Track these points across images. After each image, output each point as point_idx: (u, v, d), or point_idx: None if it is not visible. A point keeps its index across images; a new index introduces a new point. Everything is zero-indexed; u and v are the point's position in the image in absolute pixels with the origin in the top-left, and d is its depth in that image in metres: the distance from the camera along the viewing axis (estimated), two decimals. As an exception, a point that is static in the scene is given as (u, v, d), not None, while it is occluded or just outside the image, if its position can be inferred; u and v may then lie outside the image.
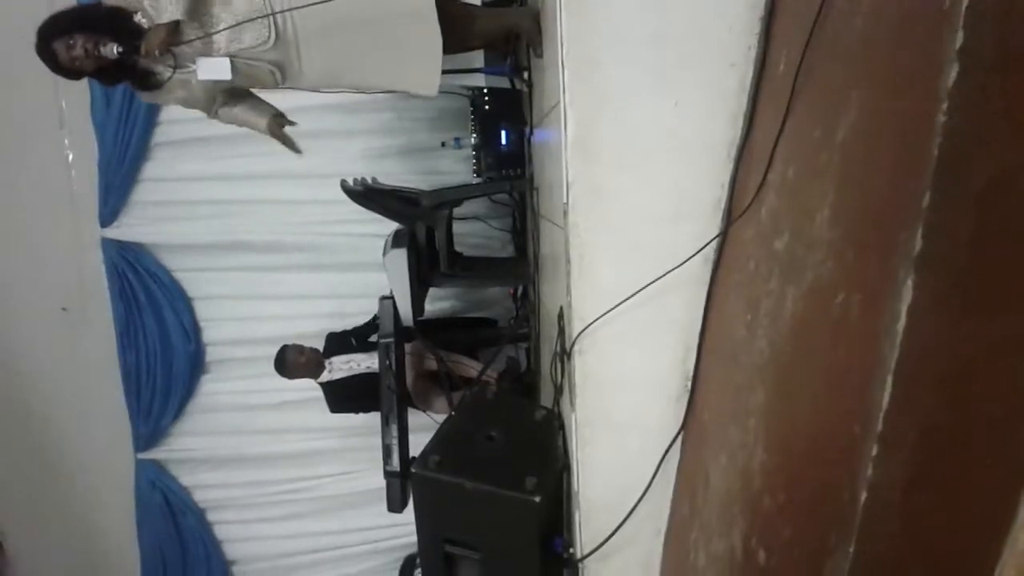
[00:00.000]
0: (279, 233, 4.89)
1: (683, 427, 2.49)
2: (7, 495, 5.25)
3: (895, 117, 1.46)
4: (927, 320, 1.32)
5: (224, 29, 2.82)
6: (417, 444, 3.36)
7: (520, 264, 4.21)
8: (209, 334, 5.11)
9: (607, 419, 2.51)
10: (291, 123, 3.30)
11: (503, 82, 4.15)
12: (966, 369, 1.35)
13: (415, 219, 4.05)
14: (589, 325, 2.45)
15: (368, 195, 4.05)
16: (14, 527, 5.39)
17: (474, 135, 4.47)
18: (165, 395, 5.08)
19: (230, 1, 2.81)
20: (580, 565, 2.61)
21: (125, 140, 4.66)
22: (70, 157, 4.80)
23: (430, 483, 2.71)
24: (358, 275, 4.85)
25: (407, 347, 4.35)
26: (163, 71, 2.90)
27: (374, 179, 4.15)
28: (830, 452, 1.56)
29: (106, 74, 2.94)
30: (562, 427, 2.81)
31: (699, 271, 2.39)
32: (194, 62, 2.87)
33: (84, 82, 4.43)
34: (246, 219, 4.88)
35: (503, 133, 4.30)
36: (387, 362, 4.13)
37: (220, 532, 5.46)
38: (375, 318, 4.29)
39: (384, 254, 4.08)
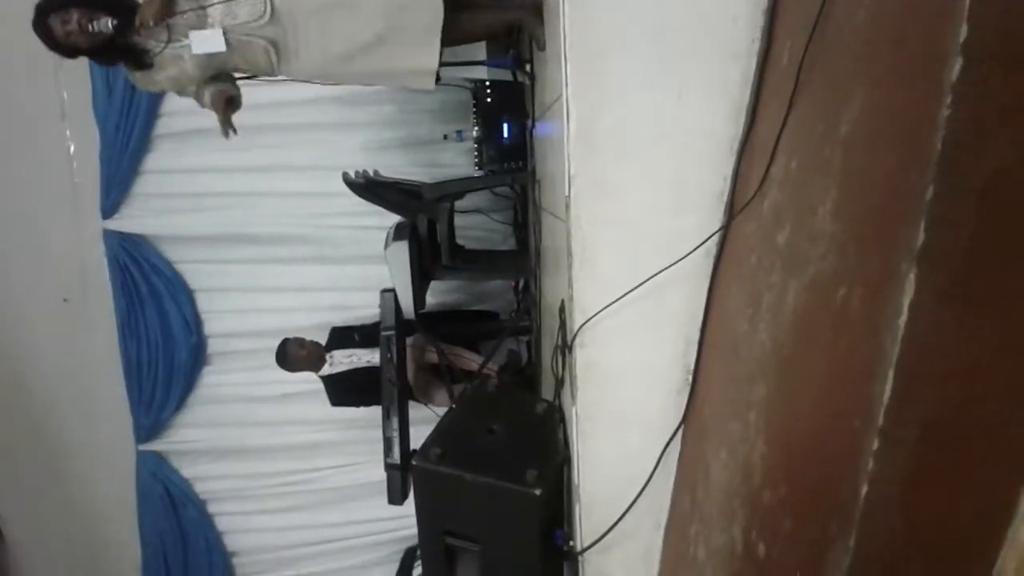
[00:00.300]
0: (281, 225, 4.88)
1: (684, 420, 2.49)
2: (8, 485, 5.26)
3: (898, 110, 1.45)
4: (929, 314, 1.32)
5: (219, 2, 2.82)
6: (418, 437, 3.37)
7: (522, 257, 4.21)
8: (210, 326, 5.10)
9: (608, 412, 2.51)
10: (238, 105, 3.14)
11: (505, 74, 4.14)
12: (967, 363, 1.35)
13: (417, 212, 4.04)
14: (590, 318, 2.45)
15: (370, 188, 4.05)
16: (15, 517, 5.39)
17: (476, 128, 4.45)
18: (166, 387, 5.08)
19: None
20: (580, 558, 2.62)
21: (127, 132, 4.64)
22: (72, 149, 4.79)
23: (431, 475, 2.71)
24: (359, 268, 4.84)
25: (408, 340, 4.35)
26: (156, 45, 2.87)
27: (376, 172, 4.15)
28: (831, 446, 1.56)
29: (101, 52, 2.92)
30: (563, 420, 2.81)
31: (701, 264, 2.39)
32: (188, 36, 2.86)
33: (86, 73, 4.50)
34: (248, 211, 4.87)
35: (505, 126, 4.28)
36: (388, 355, 4.13)
37: (221, 524, 5.46)
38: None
39: (386, 247, 4.07)
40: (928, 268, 1.30)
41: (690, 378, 2.48)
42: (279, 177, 4.83)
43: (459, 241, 4.41)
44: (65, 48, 2.86)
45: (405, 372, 4.27)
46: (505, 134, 4.30)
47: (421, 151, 4.78)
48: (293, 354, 4.35)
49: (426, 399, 4.46)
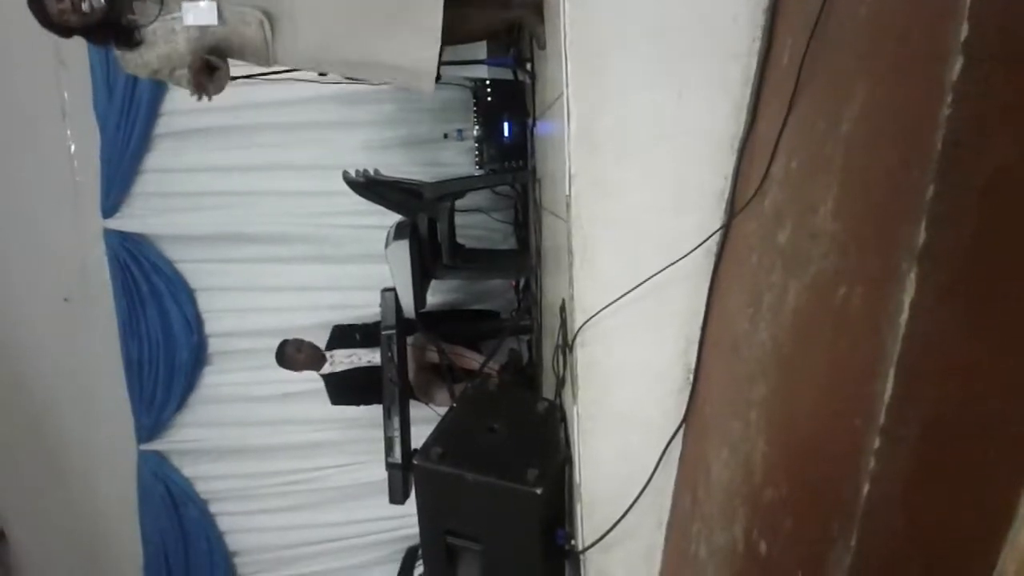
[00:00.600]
0: (282, 224, 4.88)
1: (685, 419, 2.49)
2: (10, 485, 5.26)
3: (899, 109, 1.45)
4: (930, 313, 1.31)
5: None
6: (419, 436, 3.37)
7: (522, 256, 4.21)
8: (211, 325, 5.10)
9: (609, 411, 2.51)
10: (219, 65, 2.98)
11: (506, 73, 4.14)
12: (969, 362, 1.35)
13: (417, 211, 4.04)
14: (591, 317, 2.45)
15: (370, 187, 4.05)
16: (17, 516, 5.40)
17: (476, 127, 4.45)
18: (167, 386, 5.08)
19: None
20: (581, 557, 2.62)
21: (127, 131, 4.64)
22: (72, 148, 4.79)
23: (432, 475, 2.71)
24: (360, 267, 4.84)
25: (409, 339, 4.35)
26: (147, 19, 2.84)
27: (376, 171, 4.15)
28: (832, 445, 1.56)
29: (94, 31, 2.88)
30: (564, 419, 2.81)
31: (701, 263, 2.39)
32: (180, 8, 2.82)
33: (86, 73, 4.50)
34: (248, 210, 4.87)
35: (506, 125, 4.28)
36: (389, 354, 4.13)
37: (222, 523, 5.46)
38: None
39: (386, 246, 4.07)
40: (929, 267, 1.30)
41: (691, 377, 2.48)
42: (280, 176, 4.83)
43: (460, 240, 4.41)
44: (58, 27, 2.82)
45: (406, 371, 4.27)
46: (506, 133, 4.30)
47: (422, 150, 4.78)
48: (291, 356, 4.36)
49: (427, 398, 4.46)
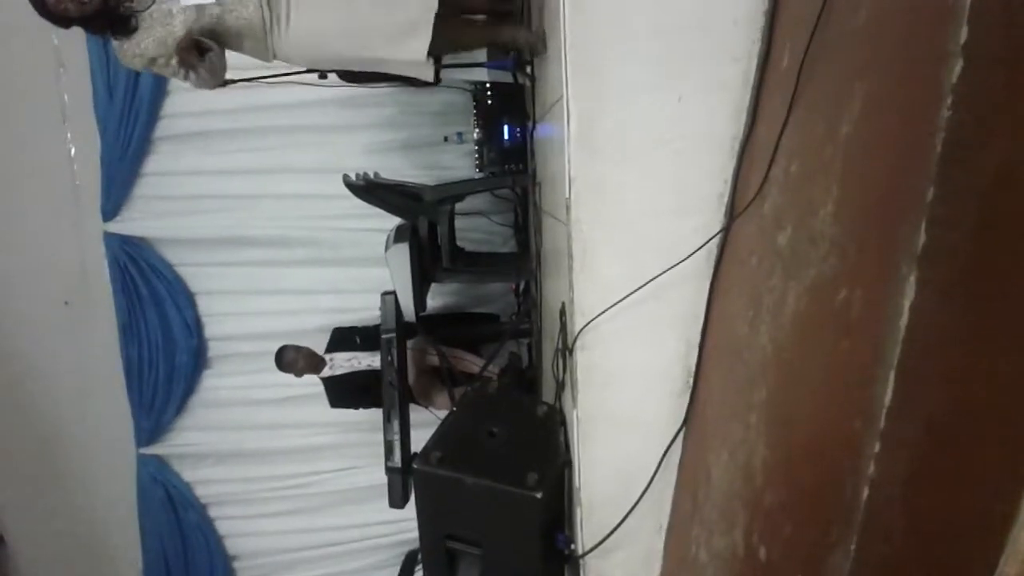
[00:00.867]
0: (281, 228, 4.88)
1: (685, 423, 2.49)
2: (9, 488, 5.26)
3: (899, 112, 1.45)
4: (930, 316, 1.31)
5: None
6: (419, 440, 3.36)
7: (522, 259, 4.21)
8: (211, 329, 5.10)
9: (609, 415, 2.51)
10: (210, 47, 2.89)
11: (506, 76, 4.14)
12: (969, 365, 1.34)
13: (417, 214, 4.04)
14: (591, 321, 2.44)
15: (370, 190, 4.04)
16: (16, 520, 5.39)
17: (476, 130, 4.45)
18: (167, 390, 5.08)
19: None
20: (581, 561, 2.61)
21: (128, 134, 4.65)
22: (72, 151, 4.80)
23: (432, 479, 2.71)
24: (360, 270, 4.84)
25: (409, 343, 4.35)
26: (144, 3, 2.80)
27: (376, 174, 4.15)
28: (832, 449, 1.55)
29: (92, 20, 2.83)
30: (564, 423, 2.81)
31: (702, 266, 2.39)
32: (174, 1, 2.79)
33: (87, 76, 4.50)
34: (249, 214, 4.87)
35: (506, 128, 4.28)
36: (389, 357, 4.13)
37: (222, 527, 5.46)
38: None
39: (386, 249, 4.07)
40: (929, 269, 1.30)
41: (691, 380, 2.48)
42: (280, 179, 4.83)
43: (460, 243, 4.41)
44: (56, 16, 2.79)
45: (406, 375, 4.27)
46: (506, 136, 4.30)
47: (422, 153, 4.78)
48: (290, 361, 4.35)
49: (427, 402, 4.46)
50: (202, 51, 2.85)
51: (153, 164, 4.80)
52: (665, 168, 2.36)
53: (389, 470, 4.10)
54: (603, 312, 2.42)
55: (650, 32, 2.29)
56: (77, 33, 2.91)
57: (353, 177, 4.01)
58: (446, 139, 4.72)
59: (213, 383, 5.19)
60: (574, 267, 2.44)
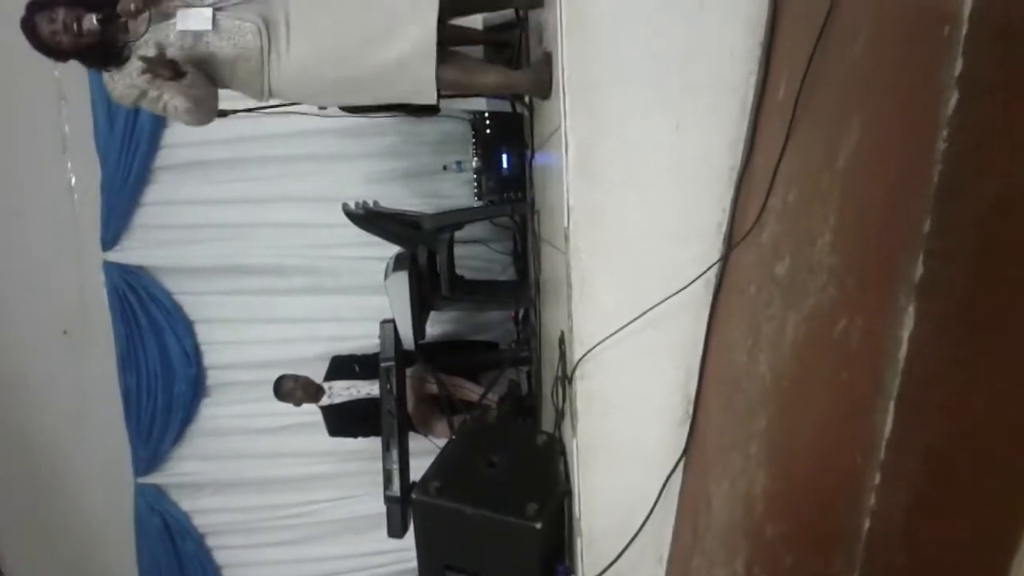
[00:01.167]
0: (281, 256, 4.88)
1: (685, 452, 2.48)
2: (6, 516, 5.22)
3: (895, 143, 1.46)
4: (929, 347, 1.31)
5: None
6: (418, 468, 3.35)
7: (521, 287, 4.21)
8: (210, 357, 5.09)
9: (609, 444, 2.50)
10: (183, 72, 2.82)
11: (504, 105, 4.16)
12: (968, 395, 1.34)
13: (416, 242, 4.05)
14: (590, 350, 2.44)
15: (370, 218, 4.05)
16: (13, 548, 5.34)
17: (475, 158, 4.46)
18: (165, 419, 5.05)
19: None
20: (582, 592, 2.59)
21: (127, 164, 4.66)
22: (73, 180, 4.81)
23: (431, 509, 2.70)
24: (359, 298, 4.83)
25: (408, 371, 4.34)
26: (138, 32, 2.78)
27: (375, 202, 4.16)
28: (832, 480, 1.55)
29: (87, 53, 2.82)
30: (563, 452, 2.80)
31: (700, 295, 2.39)
32: (173, 16, 2.78)
33: (87, 106, 4.53)
34: (248, 242, 4.88)
35: (504, 156, 4.29)
36: (388, 386, 4.12)
37: (220, 557, 5.41)
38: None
39: (385, 277, 4.07)
40: (927, 300, 1.30)
41: (691, 409, 2.47)
42: (279, 208, 4.84)
43: (459, 271, 4.41)
44: (51, 49, 2.79)
45: (405, 403, 4.25)
46: (504, 165, 4.31)
47: (421, 182, 4.80)
48: (289, 391, 4.34)
49: (426, 430, 4.44)
50: (177, 72, 2.77)
51: (153, 194, 4.81)
52: (663, 197, 2.37)
53: (388, 499, 4.08)
54: (602, 341, 2.42)
55: (647, 62, 2.31)
56: (78, 65, 2.91)
57: (352, 206, 4.02)
58: (445, 168, 4.74)
59: (212, 412, 5.16)
60: (573, 296, 2.44)
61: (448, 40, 2.96)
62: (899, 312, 1.32)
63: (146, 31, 2.78)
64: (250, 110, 3.33)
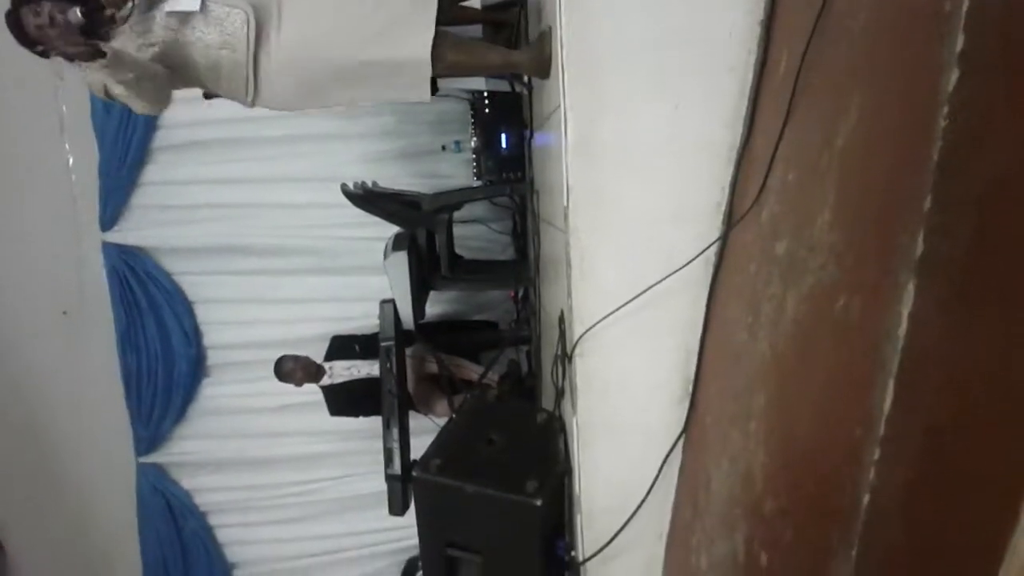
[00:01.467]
0: (280, 237, 4.89)
1: (684, 430, 2.49)
2: (8, 498, 5.25)
3: (895, 121, 1.46)
4: (929, 323, 1.32)
5: None
6: (418, 447, 3.36)
7: (521, 267, 4.21)
8: (210, 338, 5.10)
9: (608, 422, 2.51)
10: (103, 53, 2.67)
11: (503, 85, 4.15)
12: (968, 372, 1.35)
13: (416, 222, 4.05)
14: (590, 328, 2.45)
15: (368, 199, 4.05)
16: (16, 529, 5.38)
17: (474, 138, 4.47)
18: (166, 399, 5.08)
19: None
20: (582, 568, 2.61)
21: (125, 144, 4.66)
22: (70, 161, 4.80)
23: (431, 487, 2.71)
24: (359, 279, 4.84)
25: (408, 350, 4.35)
26: (123, 21, 2.73)
27: (374, 183, 4.15)
28: (832, 455, 1.56)
29: (72, 48, 2.68)
30: (563, 430, 2.81)
31: (700, 274, 2.39)
32: (158, 8, 2.75)
33: (84, 86, 4.50)
34: (247, 223, 4.88)
35: (503, 136, 4.29)
36: (388, 365, 4.13)
37: (222, 535, 5.45)
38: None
39: (385, 257, 4.08)
40: (927, 278, 1.30)
41: (690, 387, 2.48)
42: (278, 188, 4.84)
43: (458, 251, 4.42)
44: (34, 43, 2.73)
45: (405, 383, 4.27)
46: (503, 144, 4.31)
47: (419, 162, 4.79)
48: (288, 371, 4.35)
49: (426, 409, 4.46)
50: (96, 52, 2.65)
51: (151, 174, 4.81)
52: (663, 176, 2.37)
53: (389, 478, 4.10)
54: (602, 319, 2.43)
55: (647, 41, 2.30)
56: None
57: (351, 186, 4.02)
58: (444, 148, 4.73)
59: (212, 392, 5.19)
60: (572, 275, 2.44)
61: (447, 21, 2.94)
62: (899, 289, 1.33)
63: (131, 13, 2.74)
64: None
